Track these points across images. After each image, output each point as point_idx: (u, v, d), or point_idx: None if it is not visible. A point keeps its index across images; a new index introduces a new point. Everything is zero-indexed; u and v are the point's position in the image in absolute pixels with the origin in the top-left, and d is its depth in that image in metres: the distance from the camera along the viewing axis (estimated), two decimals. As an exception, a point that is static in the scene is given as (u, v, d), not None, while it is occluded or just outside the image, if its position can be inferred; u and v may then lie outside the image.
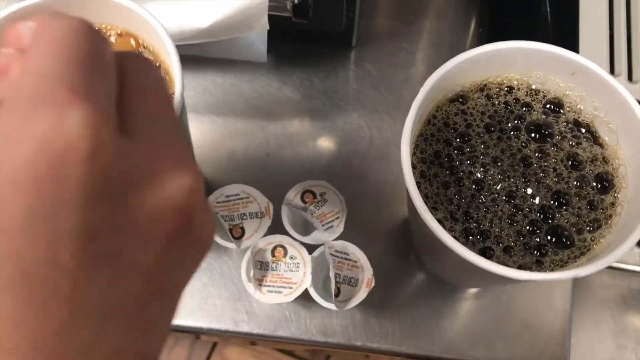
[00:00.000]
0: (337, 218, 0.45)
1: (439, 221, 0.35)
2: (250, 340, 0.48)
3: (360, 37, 0.56)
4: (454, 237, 0.35)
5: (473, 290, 0.49)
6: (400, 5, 0.59)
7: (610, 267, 0.71)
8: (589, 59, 0.50)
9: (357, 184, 0.51)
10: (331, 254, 0.43)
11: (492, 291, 0.49)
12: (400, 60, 0.56)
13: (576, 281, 0.72)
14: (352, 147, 0.53)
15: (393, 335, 0.47)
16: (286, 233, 0.45)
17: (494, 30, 0.57)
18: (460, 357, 0.47)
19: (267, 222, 0.45)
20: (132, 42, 0.39)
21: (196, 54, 0.54)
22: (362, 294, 0.44)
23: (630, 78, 0.51)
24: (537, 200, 0.35)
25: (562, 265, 0.34)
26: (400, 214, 0.50)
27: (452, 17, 0.58)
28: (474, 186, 0.36)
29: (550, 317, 0.48)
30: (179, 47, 0.36)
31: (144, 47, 0.39)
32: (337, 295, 0.43)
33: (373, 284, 0.43)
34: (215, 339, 0.50)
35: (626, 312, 0.72)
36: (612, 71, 0.51)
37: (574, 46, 0.51)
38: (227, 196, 0.45)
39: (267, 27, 0.48)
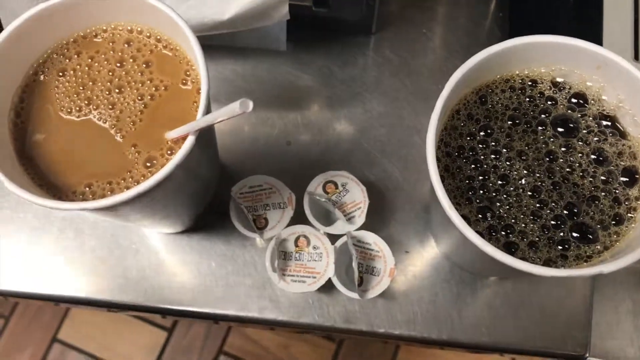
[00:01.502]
0: (359, 208, 0.46)
1: (464, 216, 0.35)
2: (279, 326, 0.49)
3: (379, 24, 0.56)
4: (478, 231, 0.35)
5: (494, 277, 0.49)
6: (419, -9, 0.58)
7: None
8: (612, 43, 0.50)
9: (378, 172, 0.51)
10: (354, 244, 0.44)
11: (511, 278, 0.49)
12: (420, 46, 0.56)
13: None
14: (372, 135, 0.53)
15: (415, 321, 0.48)
16: (309, 223, 0.45)
17: (515, 13, 0.56)
18: (481, 343, 0.48)
19: (289, 212, 0.46)
20: (153, 40, 0.39)
21: (216, 43, 0.54)
22: (384, 283, 0.44)
23: (654, 64, 0.50)
24: (562, 196, 0.35)
25: (587, 259, 0.34)
26: (421, 202, 0.51)
27: (471, 2, 0.58)
28: (498, 181, 0.36)
29: (571, 303, 0.49)
30: (198, 37, 0.36)
31: (167, 43, 0.39)
32: (360, 284, 0.44)
33: (395, 274, 0.43)
34: (242, 325, 0.51)
35: (644, 293, 0.73)
36: (636, 57, 0.50)
37: (597, 30, 0.50)
38: (251, 187, 0.46)
39: (288, 17, 0.48)
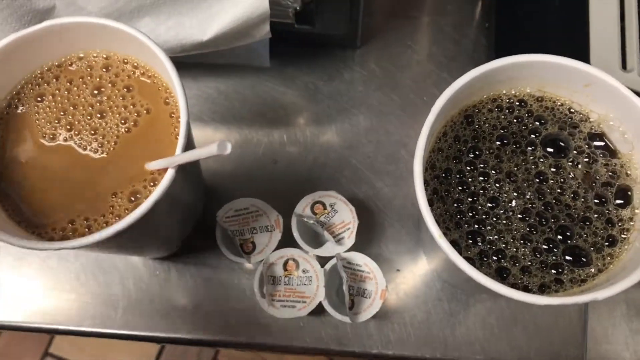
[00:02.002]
0: (349, 229, 0.45)
1: (453, 242, 0.34)
2: (270, 350, 0.48)
3: (364, 38, 0.55)
4: (469, 257, 0.34)
5: (487, 295, 0.48)
6: (401, 2, 0.57)
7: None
8: (600, 54, 0.49)
9: (367, 189, 0.51)
10: (344, 266, 0.43)
11: (506, 294, 0.48)
12: (406, 59, 0.55)
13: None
14: (360, 151, 0.52)
15: (408, 341, 0.47)
16: (297, 246, 0.45)
17: (501, 24, 0.55)
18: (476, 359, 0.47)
19: (277, 235, 0.45)
20: (130, 67, 0.38)
21: (197, 61, 0.52)
22: (376, 306, 0.43)
23: (642, 73, 0.49)
24: (553, 218, 0.35)
25: (581, 283, 0.33)
26: (412, 218, 0.50)
27: (456, 12, 0.57)
28: (488, 203, 0.35)
29: (566, 318, 0.48)
30: (178, 55, 0.35)
31: (145, 70, 0.38)
32: (351, 307, 0.43)
33: (387, 295, 0.43)
34: (233, 349, 0.50)
35: (639, 296, 0.72)
36: (624, 66, 0.50)
37: (584, 41, 0.50)
38: (237, 210, 0.45)
39: (269, 35, 0.47)
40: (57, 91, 0.38)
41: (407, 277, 0.49)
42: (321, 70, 0.54)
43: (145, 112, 0.37)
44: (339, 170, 0.51)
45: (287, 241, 0.45)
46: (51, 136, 0.37)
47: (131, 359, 1.32)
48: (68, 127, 0.37)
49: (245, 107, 0.53)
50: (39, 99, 0.38)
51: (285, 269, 0.44)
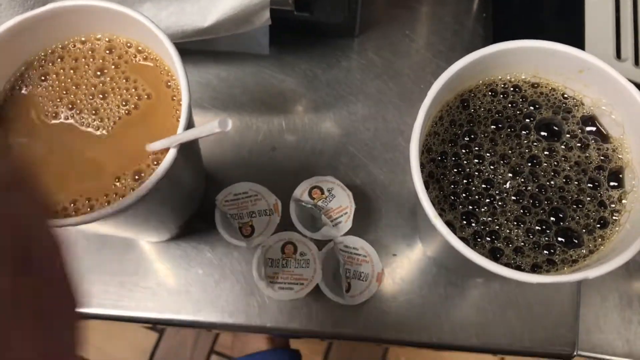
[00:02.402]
0: (346, 213, 0.45)
1: (448, 223, 0.35)
2: (267, 332, 0.49)
3: (362, 26, 0.56)
4: (463, 237, 0.35)
5: (481, 279, 0.49)
6: (402, -9, 0.58)
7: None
8: (595, 44, 0.50)
9: (364, 176, 0.51)
10: (341, 250, 0.44)
11: (498, 279, 0.49)
12: (404, 47, 0.56)
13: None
14: (357, 138, 0.53)
15: (403, 324, 0.48)
16: (295, 230, 0.45)
17: (498, 13, 0.56)
18: (470, 345, 0.48)
19: (276, 219, 0.45)
20: (133, 50, 0.39)
21: (198, 48, 0.53)
22: (372, 288, 0.44)
23: (637, 62, 0.50)
24: (546, 200, 0.35)
25: (572, 263, 0.34)
26: (408, 204, 0.51)
27: (455, 2, 0.58)
28: (482, 185, 0.36)
29: (559, 302, 0.49)
30: (178, 42, 0.36)
31: (147, 54, 0.39)
32: (347, 290, 0.44)
33: (383, 279, 0.43)
34: (231, 331, 0.51)
35: (632, 286, 0.73)
36: (618, 56, 0.50)
37: (580, 29, 0.50)
38: (236, 195, 0.46)
39: (269, 22, 0.47)
40: (62, 70, 0.38)
41: (403, 262, 0.50)
42: (320, 58, 0.55)
43: (146, 95, 0.38)
44: (336, 157, 0.52)
45: (286, 225, 0.46)
46: (53, 114, 0.37)
47: (129, 350, 1.32)
48: (70, 105, 0.37)
49: (245, 94, 0.54)
50: (42, 78, 0.38)
51: (283, 252, 0.45)
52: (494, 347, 0.48)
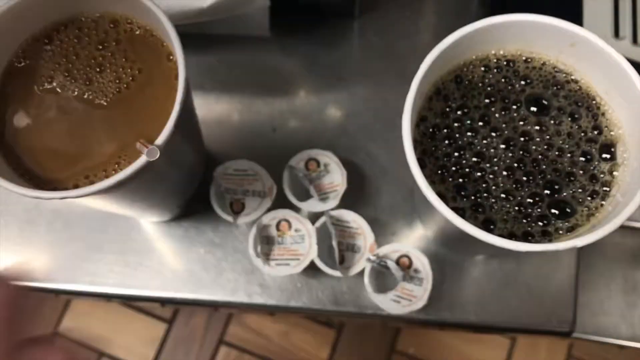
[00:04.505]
0: (335, 191, 0.46)
1: (440, 194, 0.35)
2: (268, 311, 0.50)
3: (363, 7, 0.56)
4: (455, 208, 0.35)
5: (480, 257, 0.50)
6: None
7: (621, 227, 0.71)
8: (593, 22, 0.50)
9: (364, 156, 0.52)
10: (332, 224, 0.45)
11: (497, 258, 0.49)
12: (404, 29, 0.56)
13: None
14: (358, 119, 0.53)
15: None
16: (287, 203, 0.46)
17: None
18: (468, 322, 0.48)
19: (267, 202, 0.46)
20: (134, 26, 0.40)
21: (199, 31, 0.54)
22: (365, 259, 0.45)
23: (635, 41, 0.50)
24: (537, 173, 0.36)
25: (567, 232, 0.34)
26: (407, 185, 0.51)
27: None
28: (473, 158, 0.36)
29: (557, 281, 0.49)
30: (181, 25, 0.36)
31: (146, 30, 0.39)
32: (341, 262, 0.44)
33: (376, 249, 0.44)
34: (233, 310, 0.52)
35: (636, 270, 0.73)
36: (616, 34, 0.51)
37: (578, 10, 0.51)
38: (236, 170, 0.46)
39: (268, 3, 0.48)
40: (67, 38, 0.39)
41: (402, 242, 0.50)
42: (320, 40, 0.55)
43: (146, 69, 0.39)
44: (336, 138, 0.52)
45: (276, 207, 0.46)
46: (49, 80, 0.38)
47: (139, 340, 1.34)
48: (66, 73, 0.38)
49: (245, 76, 0.55)
50: (47, 47, 0.39)
51: (278, 230, 0.45)
52: (492, 324, 0.48)
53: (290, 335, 1.33)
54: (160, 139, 0.33)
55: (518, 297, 0.49)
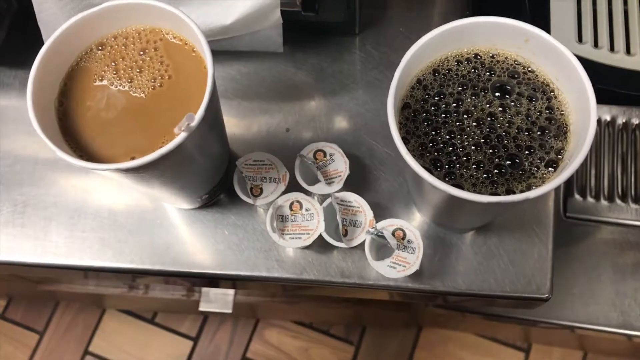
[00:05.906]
0: (339, 177, 0.54)
1: (424, 167, 0.43)
2: (282, 285, 0.57)
3: (363, 25, 0.65)
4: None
5: (468, 234, 0.57)
6: (396, -5, 0.67)
7: (609, 223, 0.78)
8: (559, 29, 0.58)
9: (365, 150, 0.60)
10: (337, 203, 0.52)
11: (482, 234, 0.57)
12: (399, 43, 0.65)
13: (577, 236, 0.80)
14: (360, 119, 0.62)
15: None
16: (298, 187, 0.54)
17: (477, 13, 0.65)
18: (456, 290, 0.55)
19: (281, 187, 0.54)
20: (170, 37, 0.49)
21: (224, 49, 0.63)
22: (366, 232, 0.52)
23: (595, 45, 0.58)
24: (502, 147, 0.43)
25: (526, 189, 0.42)
26: (401, 174, 0.59)
27: (444, 4, 0.67)
28: (446, 136, 0.44)
29: (535, 253, 0.56)
30: (209, 44, 0.45)
31: (181, 39, 0.48)
32: (345, 235, 0.52)
33: (375, 224, 0.52)
34: (251, 285, 0.59)
35: (625, 263, 0.79)
36: (580, 39, 0.59)
37: (546, 18, 0.59)
38: (255, 160, 0.55)
39: (281, 21, 0.57)
40: (116, 45, 0.48)
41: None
42: (326, 53, 0.64)
43: (178, 72, 0.47)
44: (341, 135, 0.61)
45: (290, 189, 0.55)
46: (100, 78, 0.47)
47: (165, 357, 1.40)
48: (114, 73, 0.47)
49: (262, 85, 0.64)
50: (99, 53, 0.48)
51: (291, 209, 0.53)
52: (478, 291, 0.55)
53: (309, 352, 1.39)
54: (198, 115, 0.42)
55: (501, 267, 0.55)
